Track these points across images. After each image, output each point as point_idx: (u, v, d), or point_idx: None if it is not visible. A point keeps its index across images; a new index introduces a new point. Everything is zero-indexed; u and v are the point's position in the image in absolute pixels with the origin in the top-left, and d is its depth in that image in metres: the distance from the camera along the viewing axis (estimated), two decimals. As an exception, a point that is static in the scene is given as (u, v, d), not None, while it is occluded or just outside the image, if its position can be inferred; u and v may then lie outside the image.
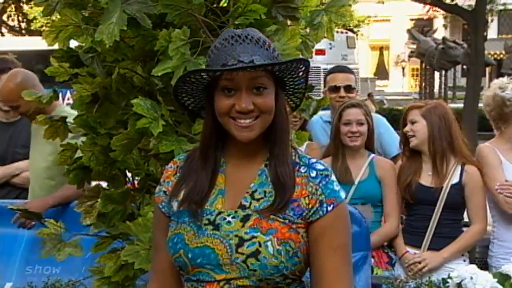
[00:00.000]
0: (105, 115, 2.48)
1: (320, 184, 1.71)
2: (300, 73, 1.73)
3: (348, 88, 4.22)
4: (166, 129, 2.26)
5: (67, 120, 2.62)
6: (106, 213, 2.44)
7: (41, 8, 2.44)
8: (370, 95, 21.64)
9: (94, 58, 2.40)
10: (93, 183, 2.70)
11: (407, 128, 3.64)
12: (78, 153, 2.57)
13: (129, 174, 2.61)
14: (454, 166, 3.60)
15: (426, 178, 3.63)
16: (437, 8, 22.28)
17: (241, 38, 1.67)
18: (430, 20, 38.92)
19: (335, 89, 4.21)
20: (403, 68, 41.26)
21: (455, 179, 3.59)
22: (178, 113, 2.39)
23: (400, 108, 19.43)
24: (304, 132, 2.67)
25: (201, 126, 2.31)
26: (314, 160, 1.76)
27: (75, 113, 2.55)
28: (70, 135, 2.67)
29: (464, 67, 23.54)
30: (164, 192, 1.82)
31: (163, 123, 2.22)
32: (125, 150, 2.37)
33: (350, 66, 6.05)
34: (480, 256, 3.84)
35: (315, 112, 2.65)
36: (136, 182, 2.60)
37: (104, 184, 2.65)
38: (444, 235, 3.57)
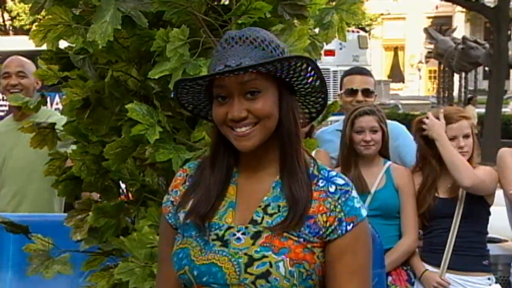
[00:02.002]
0: (97, 122, 2.48)
1: (340, 201, 1.69)
2: (302, 72, 1.70)
3: (366, 92, 4.18)
4: (163, 136, 2.26)
5: None
6: (98, 227, 2.44)
7: (25, 5, 2.45)
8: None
9: (85, 59, 2.41)
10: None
11: (462, 144, 3.62)
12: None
13: (123, 185, 2.62)
14: None
15: (444, 191, 3.64)
16: (450, 4, 22.24)
17: (234, 40, 1.67)
18: (449, 18, 38.96)
19: (352, 92, 4.18)
20: (419, 70, 41.29)
21: None
22: (176, 119, 2.39)
23: (416, 113, 19.41)
24: (312, 140, 2.67)
25: (200, 133, 2.33)
26: (334, 174, 1.74)
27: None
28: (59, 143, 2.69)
29: (486, 68, 23.56)
30: (172, 202, 1.83)
31: (160, 130, 2.22)
32: (119, 159, 2.38)
33: (362, 68, 6.04)
34: (503, 275, 3.84)
35: (324, 119, 2.64)
36: (130, 194, 2.61)
37: (96, 196, 2.65)
38: (465, 252, 3.57)
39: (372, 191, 3.66)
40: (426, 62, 38.73)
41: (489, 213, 3.67)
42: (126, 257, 2.34)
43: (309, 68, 1.70)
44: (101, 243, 2.49)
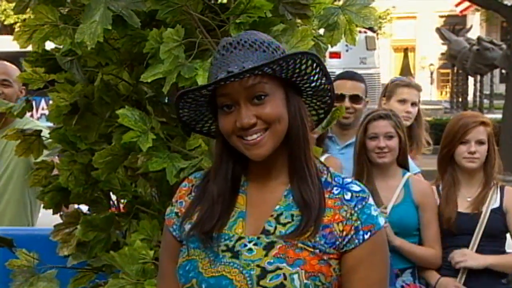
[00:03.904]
0: (86, 128, 2.49)
1: (356, 208, 1.72)
2: (308, 70, 1.72)
3: (355, 98, 4.19)
4: (157, 144, 2.26)
5: None
6: (87, 242, 2.45)
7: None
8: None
9: (73, 62, 2.41)
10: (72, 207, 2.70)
11: (473, 149, 3.60)
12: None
13: (113, 197, 2.62)
14: (493, 188, 3.61)
15: (463, 205, 3.62)
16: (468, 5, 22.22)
17: (233, 45, 1.70)
18: (463, 17, 38.98)
19: (340, 97, 4.18)
20: (431, 73, 41.27)
21: (495, 204, 3.59)
22: (170, 126, 2.40)
23: (428, 119, 19.39)
24: (317, 148, 2.67)
25: (196, 140, 2.34)
26: (349, 180, 1.78)
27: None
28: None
29: (503, 71, 23.53)
30: (176, 213, 1.84)
31: (153, 137, 2.22)
32: (109, 169, 2.38)
33: (370, 71, 6.07)
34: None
35: (328, 124, 2.65)
36: (121, 205, 2.61)
37: (84, 208, 2.65)
38: (482, 271, 3.56)
39: (389, 207, 3.58)
40: (439, 63, 38.71)
41: (507, 231, 3.67)
42: (117, 273, 2.34)
43: (314, 65, 1.72)
44: (90, 259, 2.49)
